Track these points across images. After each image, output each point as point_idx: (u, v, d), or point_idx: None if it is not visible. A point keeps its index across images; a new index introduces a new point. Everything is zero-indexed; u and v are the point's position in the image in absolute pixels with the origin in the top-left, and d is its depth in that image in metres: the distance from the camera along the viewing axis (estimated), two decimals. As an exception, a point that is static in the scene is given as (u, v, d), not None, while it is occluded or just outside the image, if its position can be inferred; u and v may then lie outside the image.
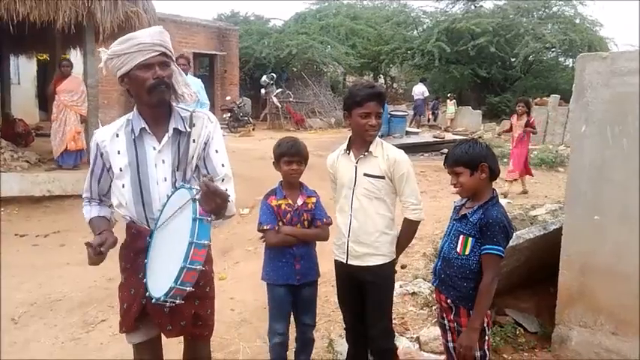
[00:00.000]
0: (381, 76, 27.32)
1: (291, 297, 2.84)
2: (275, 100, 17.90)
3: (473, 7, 22.69)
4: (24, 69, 13.90)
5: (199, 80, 6.92)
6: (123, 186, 2.09)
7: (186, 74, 6.09)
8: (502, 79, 22.19)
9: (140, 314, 2.13)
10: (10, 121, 10.34)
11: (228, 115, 16.75)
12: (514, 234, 3.23)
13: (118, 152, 2.09)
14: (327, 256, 2.94)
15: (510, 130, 8.65)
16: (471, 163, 2.35)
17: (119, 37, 7.72)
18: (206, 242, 1.80)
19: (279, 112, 18.07)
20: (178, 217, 1.90)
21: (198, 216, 1.78)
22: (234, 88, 19.50)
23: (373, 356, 2.83)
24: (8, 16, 6.88)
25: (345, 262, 2.66)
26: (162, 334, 2.29)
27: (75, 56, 12.69)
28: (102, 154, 2.12)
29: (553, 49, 21.38)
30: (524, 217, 5.46)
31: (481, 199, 2.38)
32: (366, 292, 2.66)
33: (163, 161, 2.08)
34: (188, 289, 1.82)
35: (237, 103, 17.47)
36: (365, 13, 26.07)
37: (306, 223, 2.83)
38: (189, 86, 2.22)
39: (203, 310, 2.22)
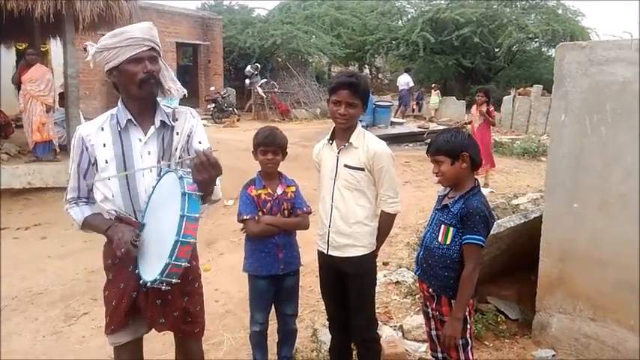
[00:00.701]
0: (366, 66, 27.30)
1: (273, 288, 2.85)
2: (260, 90, 17.79)
3: (457, -3, 22.73)
4: (3, 59, 13.59)
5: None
6: (109, 178, 2.07)
7: None
8: (486, 70, 22.30)
9: (130, 310, 2.11)
10: (-12, 112, 10.16)
11: (213, 105, 16.62)
12: (496, 222, 3.27)
13: (104, 145, 2.08)
14: (311, 246, 2.94)
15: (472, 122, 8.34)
16: (452, 152, 2.36)
17: (99, 26, 7.63)
18: (197, 215, 1.81)
19: (264, 103, 17.98)
20: (167, 201, 1.91)
21: (187, 191, 1.80)
22: (218, 79, 19.34)
23: (356, 346, 2.84)
24: (-15, 5, 6.75)
25: (326, 252, 2.66)
26: (144, 339, 2.29)
27: (55, 45, 12.52)
28: (87, 148, 2.10)
29: (536, 40, 21.53)
30: (507, 206, 5.53)
31: (462, 189, 2.39)
32: (348, 283, 2.65)
33: (149, 152, 2.09)
34: (184, 264, 1.81)
35: (222, 93, 17.33)
36: (349, 2, 25.96)
37: (286, 212, 2.83)
38: (176, 81, 2.23)
39: (192, 307, 2.22)
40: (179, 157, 2.14)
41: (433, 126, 14.57)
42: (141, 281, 1.92)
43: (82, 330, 3.64)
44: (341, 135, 2.59)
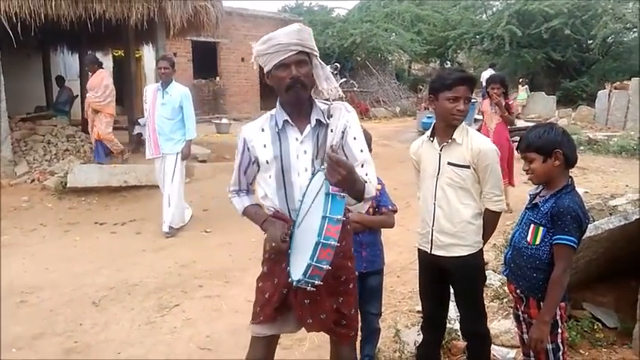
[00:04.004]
0: (448, 62, 26.68)
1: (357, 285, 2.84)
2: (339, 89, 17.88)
3: (546, -13, 21.65)
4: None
5: (187, 89, 5.93)
6: (269, 177, 2.17)
7: (171, 80, 5.75)
8: (578, 63, 21.07)
9: (280, 306, 2.17)
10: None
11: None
12: (592, 224, 3.08)
13: (264, 146, 2.16)
14: (391, 246, 2.92)
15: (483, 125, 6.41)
16: (543, 148, 2.25)
17: (188, 32, 8.01)
18: (340, 217, 1.80)
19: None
20: (316, 202, 1.92)
21: (330, 191, 1.80)
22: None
23: (466, 341, 2.82)
24: (86, 15, 7.26)
25: (429, 251, 2.61)
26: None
27: (148, 51, 13.26)
28: (248, 149, 2.21)
29: (634, 30, 20.06)
30: (603, 207, 5.18)
31: (554, 187, 2.28)
32: (453, 282, 2.63)
33: (305, 152, 2.13)
34: (325, 267, 1.81)
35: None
36: (431, -2, 25.50)
37: (371, 210, 2.80)
38: (331, 81, 2.22)
39: (347, 309, 2.22)
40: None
41: (521, 123, 13.94)
42: (289, 279, 1.97)
43: (173, 321, 3.82)
44: (443, 132, 2.53)
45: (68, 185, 7.28)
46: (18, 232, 5.94)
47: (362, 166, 2.12)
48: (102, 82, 7.93)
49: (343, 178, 1.80)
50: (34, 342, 3.52)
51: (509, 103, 6.22)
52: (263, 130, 2.18)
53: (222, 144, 11.55)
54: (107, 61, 14.78)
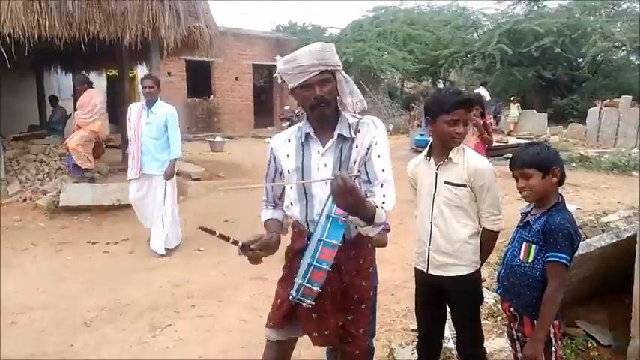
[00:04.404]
0: (440, 81, 26.93)
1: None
2: (333, 108, 17.95)
3: (535, 7, 21.98)
4: (95, 84, 14.67)
5: (173, 108, 5.78)
6: (291, 188, 2.21)
7: (156, 98, 5.65)
8: (568, 81, 21.36)
9: (289, 313, 2.18)
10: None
11: (287, 124, 16.95)
12: (584, 242, 3.10)
13: (287, 156, 2.20)
14: (385, 263, 2.91)
15: None
16: (542, 165, 2.27)
17: (182, 51, 7.97)
18: (335, 242, 1.80)
19: (336, 121, 18.12)
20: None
21: (333, 214, 1.79)
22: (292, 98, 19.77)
23: None
24: (80, 35, 7.28)
25: (426, 271, 2.61)
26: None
27: (142, 71, 13.31)
28: (274, 158, 2.26)
29: (623, 48, 20.37)
30: (595, 224, 5.22)
31: (546, 204, 2.30)
32: (450, 302, 2.62)
33: (325, 165, 2.13)
34: (316, 289, 1.83)
35: (296, 112, 17.65)
36: (422, 18, 25.74)
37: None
38: (355, 94, 2.23)
39: (355, 328, 2.21)
40: (357, 171, 2.12)
41: (512, 140, 14.05)
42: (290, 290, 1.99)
43: (165, 341, 3.78)
44: (440, 151, 2.54)
45: (61, 204, 7.24)
46: (10, 252, 5.88)
47: (381, 186, 2.10)
48: (90, 100, 7.88)
49: (350, 205, 1.76)
50: (24, 364, 3.47)
51: (487, 122, 5.98)
52: (289, 140, 2.22)
53: (216, 162, 11.56)
54: (101, 81, 14.87)
